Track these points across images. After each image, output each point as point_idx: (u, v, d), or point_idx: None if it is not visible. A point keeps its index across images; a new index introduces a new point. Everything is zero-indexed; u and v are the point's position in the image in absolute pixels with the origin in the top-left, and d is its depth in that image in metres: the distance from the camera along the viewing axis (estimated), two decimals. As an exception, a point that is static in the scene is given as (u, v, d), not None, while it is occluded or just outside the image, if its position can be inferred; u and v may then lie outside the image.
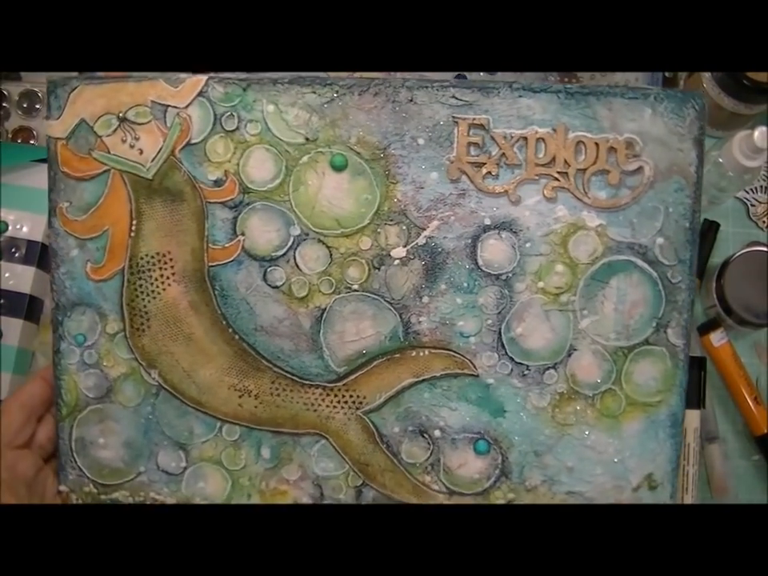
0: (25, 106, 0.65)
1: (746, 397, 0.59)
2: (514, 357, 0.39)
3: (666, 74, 0.61)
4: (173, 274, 0.39)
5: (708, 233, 0.60)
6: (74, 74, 0.40)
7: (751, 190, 0.63)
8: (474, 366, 0.39)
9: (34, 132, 0.64)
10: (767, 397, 0.59)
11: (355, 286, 0.39)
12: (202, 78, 0.38)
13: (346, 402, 0.39)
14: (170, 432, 0.40)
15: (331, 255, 0.38)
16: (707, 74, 0.56)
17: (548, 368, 0.39)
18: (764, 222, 0.62)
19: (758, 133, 0.51)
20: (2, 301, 0.56)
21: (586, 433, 0.39)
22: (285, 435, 0.40)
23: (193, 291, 0.39)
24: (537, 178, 0.38)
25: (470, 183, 0.38)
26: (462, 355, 0.39)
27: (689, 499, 0.54)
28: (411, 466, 0.39)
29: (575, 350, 0.38)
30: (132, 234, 0.39)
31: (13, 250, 0.57)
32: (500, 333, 0.38)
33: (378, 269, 0.38)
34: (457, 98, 0.38)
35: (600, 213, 0.38)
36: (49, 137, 0.39)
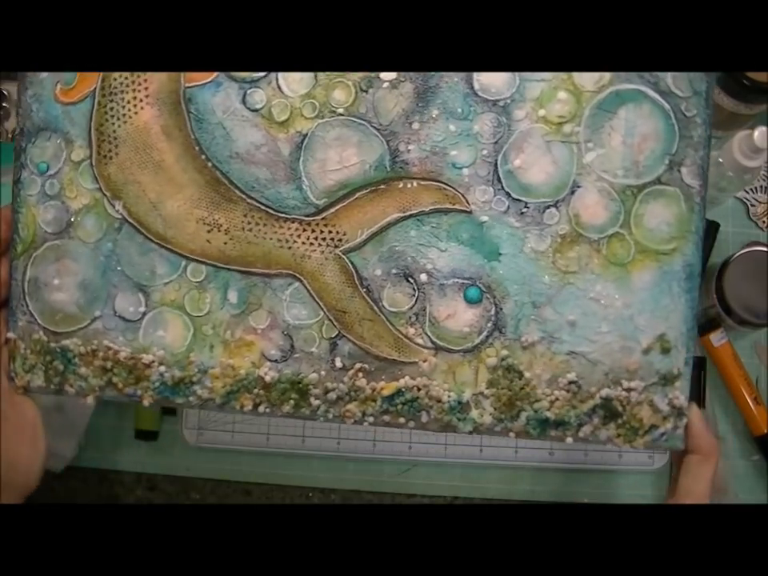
0: None
1: (746, 397, 0.64)
2: (511, 192, 0.40)
3: None
4: (146, 96, 0.42)
5: (708, 233, 0.65)
6: None
7: (751, 189, 0.68)
8: (467, 201, 0.40)
9: None
10: (767, 397, 0.64)
11: (340, 110, 0.41)
12: None
13: (324, 239, 0.40)
14: (130, 272, 0.42)
15: (316, 76, 0.40)
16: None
17: (549, 206, 0.40)
18: (764, 221, 0.68)
19: (757, 133, 0.56)
20: None
21: (591, 282, 0.39)
22: (255, 276, 0.41)
23: (167, 114, 0.41)
24: None
25: None
26: (453, 188, 0.40)
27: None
28: (393, 315, 0.40)
29: (579, 186, 0.40)
30: None
31: None
32: (496, 164, 0.40)
33: (366, 92, 0.41)
34: None
35: None
36: None
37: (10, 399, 0.44)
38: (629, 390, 0.41)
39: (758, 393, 0.64)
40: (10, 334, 0.45)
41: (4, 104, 0.70)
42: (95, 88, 0.44)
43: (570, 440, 0.42)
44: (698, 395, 0.62)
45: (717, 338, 0.65)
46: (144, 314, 0.44)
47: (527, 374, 0.41)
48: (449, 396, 0.42)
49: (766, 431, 0.63)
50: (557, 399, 0.41)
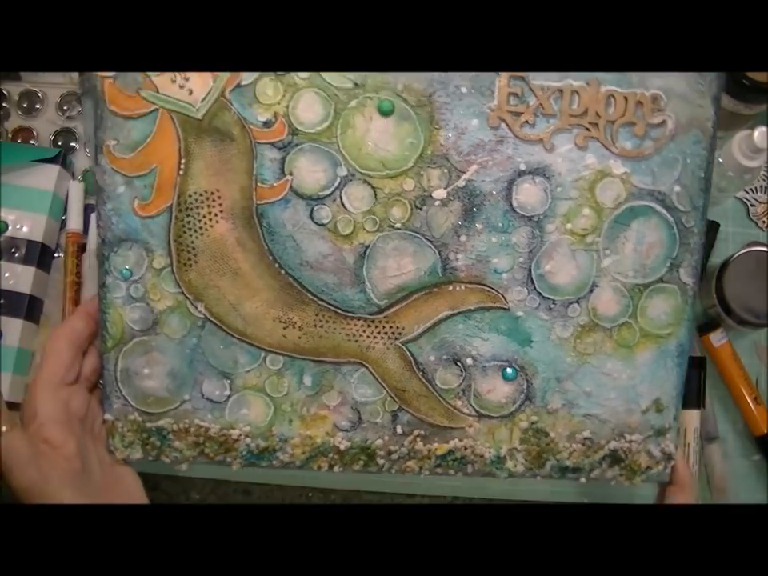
0: (25, 106, 0.74)
1: (746, 397, 0.68)
2: (542, 292, 0.50)
3: None
4: (221, 211, 0.49)
5: (708, 233, 0.68)
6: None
7: (751, 189, 0.72)
8: (506, 300, 0.50)
9: (34, 132, 0.73)
10: (767, 397, 0.69)
11: (398, 225, 0.49)
12: None
13: (385, 333, 0.50)
14: (214, 362, 0.50)
15: (376, 195, 0.49)
16: None
17: (572, 302, 0.51)
18: (764, 221, 0.72)
19: (757, 133, 0.60)
20: (2, 301, 0.66)
21: (603, 361, 0.51)
22: (326, 364, 0.51)
23: (240, 228, 0.49)
24: (570, 127, 0.49)
25: (509, 131, 0.48)
26: (495, 290, 0.50)
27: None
28: (444, 391, 0.51)
29: (597, 286, 0.51)
30: (181, 173, 0.48)
31: (13, 250, 0.67)
32: (530, 270, 0.50)
33: (420, 209, 0.49)
34: None
35: (625, 161, 0.50)
36: (95, 75, 0.46)
37: (111, 471, 0.53)
38: (630, 441, 0.55)
39: (758, 393, 0.67)
40: (107, 416, 0.53)
41: (4, 104, 0.73)
42: (171, 204, 0.50)
43: (583, 480, 0.56)
44: (697, 395, 0.65)
45: (717, 338, 0.68)
46: (229, 396, 0.54)
47: (552, 434, 0.55)
48: (489, 452, 0.55)
49: (766, 431, 0.66)
50: (574, 451, 0.55)
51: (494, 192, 0.52)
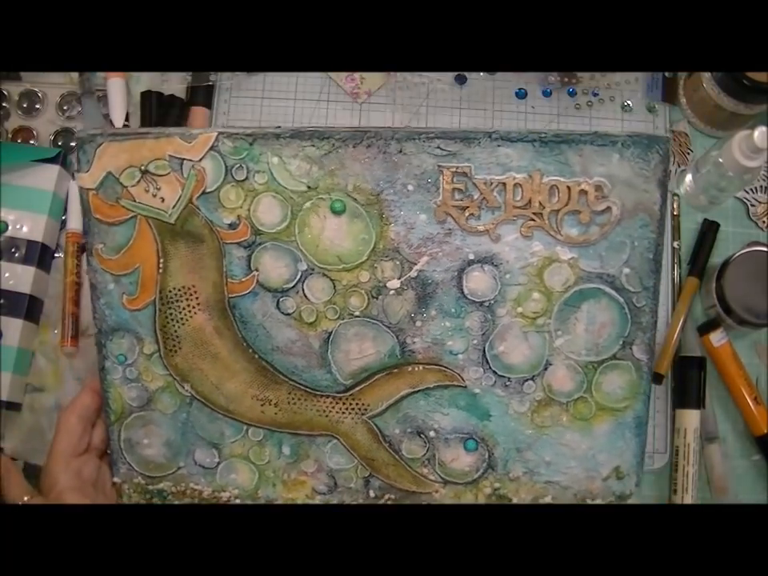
0: (25, 105, 0.77)
1: (746, 397, 0.69)
2: (497, 371, 0.55)
3: (666, 74, 0.71)
4: (198, 304, 0.56)
5: (708, 233, 0.73)
6: (99, 130, 0.54)
7: (751, 189, 0.74)
8: (462, 379, 0.56)
9: (34, 132, 0.77)
10: (767, 397, 0.71)
11: (357, 313, 0.55)
12: (212, 135, 0.53)
13: (353, 409, 0.57)
14: (203, 434, 0.59)
15: (335, 287, 0.55)
16: (707, 74, 0.68)
17: (527, 379, 0.56)
18: (764, 221, 0.73)
19: (757, 133, 0.62)
20: (2, 301, 0.69)
21: (561, 433, 0.55)
22: (302, 436, 0.59)
23: (216, 318, 0.56)
24: (515, 218, 0.52)
25: (455, 224, 0.53)
26: (451, 370, 0.56)
27: (689, 499, 0.68)
28: (411, 460, 0.58)
29: (551, 364, 0.55)
30: (160, 271, 0.56)
31: (13, 250, 0.69)
32: (484, 351, 0.55)
33: (376, 298, 0.55)
34: (441, 149, 0.52)
35: (572, 247, 0.53)
36: (81, 188, 0.54)
37: None
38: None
39: (758, 393, 0.69)
40: (116, 479, 0.63)
41: (4, 104, 0.76)
42: (154, 298, 0.58)
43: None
44: (698, 395, 0.67)
45: (717, 338, 0.68)
46: (218, 463, 0.62)
47: (514, 499, 0.60)
48: None
49: (766, 431, 0.67)
50: None
51: (446, 280, 0.57)
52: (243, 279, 0.59)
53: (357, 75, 0.75)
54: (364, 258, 0.58)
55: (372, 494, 0.62)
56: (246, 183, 0.57)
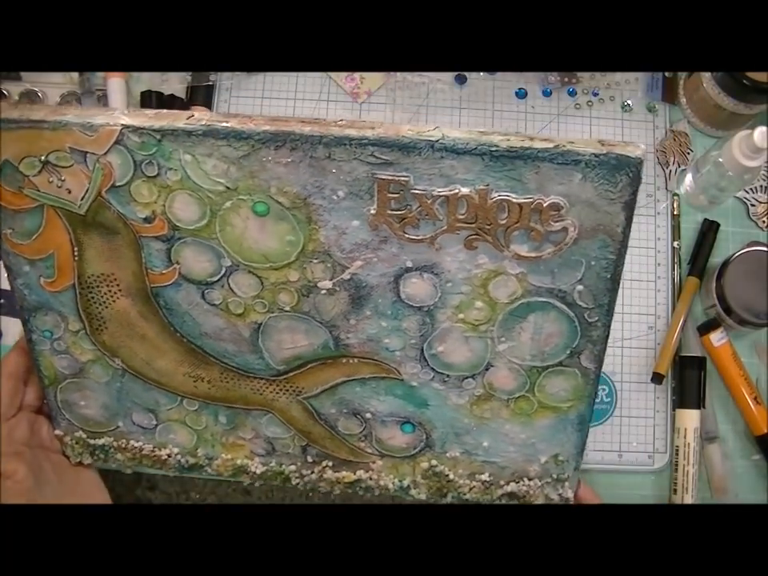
0: None
1: (746, 397, 0.72)
2: (436, 368, 0.57)
3: (666, 74, 0.70)
4: (119, 290, 0.56)
5: (708, 233, 0.73)
6: None
7: (751, 189, 0.75)
8: (399, 372, 0.55)
9: None
10: (767, 397, 0.73)
11: (287, 308, 0.55)
12: (115, 129, 0.50)
13: (287, 391, 0.59)
14: (138, 401, 0.62)
15: (262, 283, 0.54)
16: (707, 74, 0.69)
17: (466, 377, 0.55)
18: (764, 221, 0.74)
19: (757, 133, 0.62)
20: (2, 301, 0.74)
21: (501, 424, 0.56)
22: (237, 408, 0.59)
23: (140, 304, 0.56)
24: (458, 232, 0.49)
25: (391, 233, 0.49)
26: (387, 364, 0.55)
27: (689, 499, 0.72)
28: (348, 435, 0.61)
29: (492, 365, 0.55)
30: (76, 258, 0.56)
31: None
32: (422, 350, 0.56)
33: (307, 296, 0.54)
34: (376, 156, 0.48)
35: (521, 263, 0.49)
36: None
37: (70, 471, 0.67)
38: (528, 485, 0.63)
39: (758, 393, 0.72)
40: (58, 432, 0.66)
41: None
42: (74, 282, 0.57)
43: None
44: (698, 395, 0.71)
45: (717, 338, 0.72)
46: (156, 425, 0.64)
47: (451, 475, 0.63)
48: (393, 483, 0.65)
49: (766, 431, 0.71)
50: (474, 487, 0.64)
51: (381, 285, 0.55)
52: (164, 271, 0.57)
53: (357, 75, 0.77)
54: (292, 259, 0.55)
55: (309, 459, 0.66)
56: (159, 179, 0.53)
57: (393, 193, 0.52)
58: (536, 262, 0.54)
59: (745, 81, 0.64)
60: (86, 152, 0.53)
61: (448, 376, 0.60)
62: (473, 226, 0.53)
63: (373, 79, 0.81)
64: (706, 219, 0.75)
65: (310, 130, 0.50)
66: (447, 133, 0.50)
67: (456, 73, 0.80)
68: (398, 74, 0.81)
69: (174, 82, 0.81)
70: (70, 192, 0.55)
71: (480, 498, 0.66)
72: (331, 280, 0.56)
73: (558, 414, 0.61)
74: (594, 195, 0.51)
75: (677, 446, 0.73)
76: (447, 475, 0.65)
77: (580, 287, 0.55)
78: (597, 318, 0.56)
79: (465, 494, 0.66)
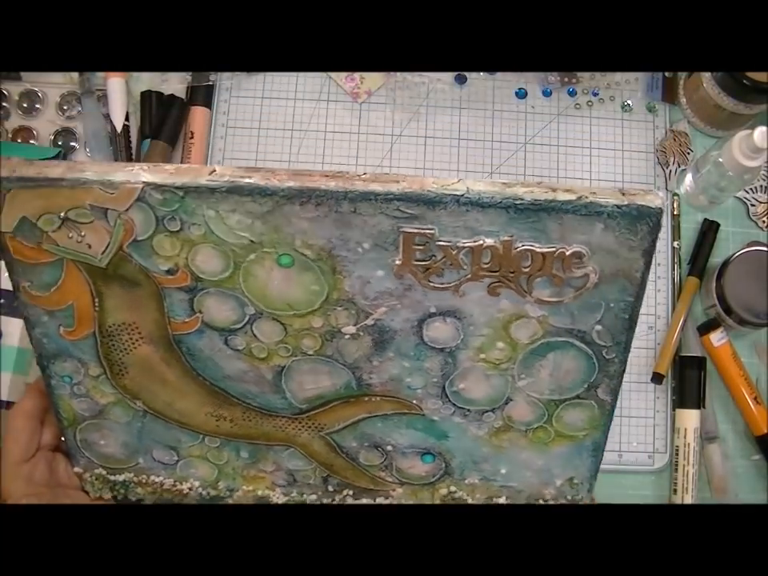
0: (25, 105, 0.79)
1: (746, 397, 0.73)
2: (457, 403, 0.58)
3: (666, 74, 0.68)
4: (141, 337, 0.57)
5: (708, 233, 0.74)
6: (5, 174, 0.49)
7: (751, 189, 0.75)
8: (421, 408, 0.57)
9: (34, 131, 0.79)
10: (767, 397, 0.74)
11: (310, 352, 0.55)
12: (137, 186, 0.50)
13: (309, 427, 0.60)
14: (159, 440, 0.62)
15: (286, 330, 0.55)
16: (707, 74, 0.68)
17: (486, 411, 0.57)
18: (764, 221, 0.75)
19: (757, 133, 0.63)
20: (2, 301, 0.73)
21: (519, 452, 0.58)
22: (259, 444, 0.59)
23: (162, 350, 0.57)
24: (482, 280, 0.50)
25: (416, 281, 0.50)
26: (409, 401, 0.56)
27: (689, 499, 0.73)
28: (369, 466, 0.63)
29: (512, 400, 0.57)
30: (96, 309, 0.55)
31: None
32: (444, 387, 0.57)
33: (331, 341, 0.55)
34: (402, 211, 0.49)
35: (542, 306, 0.51)
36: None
37: None
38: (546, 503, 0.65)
39: (758, 393, 0.73)
40: (77, 469, 0.67)
41: (4, 104, 0.79)
42: (94, 331, 0.57)
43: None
44: (698, 395, 0.72)
45: (717, 338, 0.73)
46: (177, 461, 0.65)
47: (469, 500, 0.65)
48: None
49: (766, 431, 0.71)
50: None
51: (404, 329, 0.56)
52: (187, 320, 0.58)
53: (357, 75, 0.77)
54: (316, 307, 0.56)
55: (330, 488, 0.67)
56: (181, 234, 0.53)
57: (418, 245, 0.53)
58: (557, 306, 0.55)
59: (745, 81, 0.65)
60: (107, 209, 0.53)
61: (469, 410, 0.61)
62: (496, 274, 0.54)
63: (373, 79, 0.81)
64: (705, 219, 0.76)
65: (335, 186, 0.51)
66: (471, 186, 0.50)
67: (456, 73, 0.80)
68: (398, 73, 0.81)
69: (174, 82, 0.81)
70: (90, 247, 0.55)
71: (497, 519, 0.69)
72: (355, 325, 0.57)
73: (575, 441, 0.63)
74: (615, 244, 0.52)
75: (677, 446, 0.74)
76: (465, 500, 0.67)
77: (599, 327, 0.56)
78: (614, 355, 0.58)
79: (483, 517, 0.68)
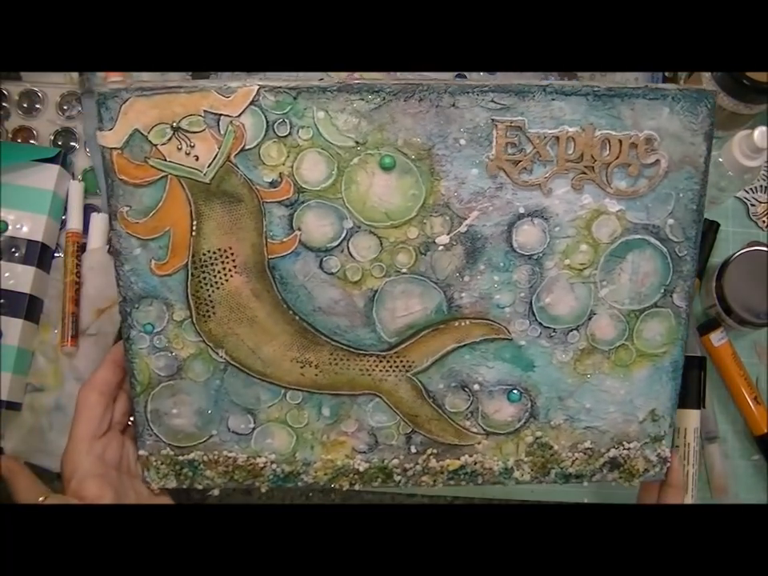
0: (25, 105, 0.81)
1: (746, 397, 0.75)
2: (543, 322, 0.60)
3: (666, 74, 0.77)
4: (234, 266, 0.57)
5: (708, 233, 0.78)
6: (121, 85, 0.53)
7: (751, 189, 0.79)
8: (509, 332, 0.59)
9: (34, 132, 0.81)
10: (767, 397, 0.76)
11: (404, 270, 0.58)
12: (253, 88, 0.54)
13: (397, 367, 0.60)
14: (238, 400, 0.61)
15: (381, 244, 0.57)
16: (707, 74, 0.73)
17: (571, 330, 0.60)
18: (764, 221, 0.78)
19: (757, 133, 0.66)
20: (2, 301, 0.73)
21: (602, 379, 0.59)
22: (343, 396, 0.62)
23: (254, 280, 0.57)
24: (566, 171, 0.55)
25: (507, 178, 0.55)
26: (498, 323, 0.58)
27: (689, 499, 0.74)
28: (454, 414, 0.62)
29: (595, 314, 0.60)
30: (193, 234, 0.57)
31: (13, 249, 0.74)
32: (531, 303, 0.60)
33: (425, 254, 0.57)
34: (495, 102, 0.55)
35: (620, 200, 0.56)
36: (103, 146, 0.53)
37: (149, 502, 0.64)
38: (629, 449, 0.66)
39: (758, 393, 0.74)
40: (142, 452, 0.64)
41: (4, 104, 0.80)
42: (186, 262, 0.58)
43: (585, 484, 0.66)
44: (698, 395, 0.72)
45: (717, 338, 0.74)
46: (253, 428, 0.64)
47: (555, 446, 0.65)
48: (498, 465, 0.66)
49: (766, 431, 0.72)
50: (577, 459, 0.66)
51: (495, 235, 0.60)
52: (284, 239, 0.60)
53: (357, 75, 0.78)
54: (413, 215, 0.60)
55: (413, 449, 0.66)
56: (289, 139, 0.58)
57: (510, 137, 0.59)
58: (633, 198, 0.61)
59: (745, 81, 0.69)
60: (221, 114, 0.57)
61: (554, 330, 0.64)
62: (579, 165, 0.60)
63: (373, 79, 0.82)
64: (706, 219, 0.77)
65: (437, 80, 0.58)
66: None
67: (456, 73, 0.81)
68: (398, 74, 0.80)
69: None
70: (197, 159, 0.58)
71: (583, 469, 0.68)
72: (449, 234, 0.61)
73: (654, 362, 0.65)
74: (680, 128, 0.60)
75: (677, 446, 0.74)
76: (552, 447, 0.67)
77: (671, 221, 0.62)
78: (686, 252, 0.63)
79: (568, 468, 0.68)
